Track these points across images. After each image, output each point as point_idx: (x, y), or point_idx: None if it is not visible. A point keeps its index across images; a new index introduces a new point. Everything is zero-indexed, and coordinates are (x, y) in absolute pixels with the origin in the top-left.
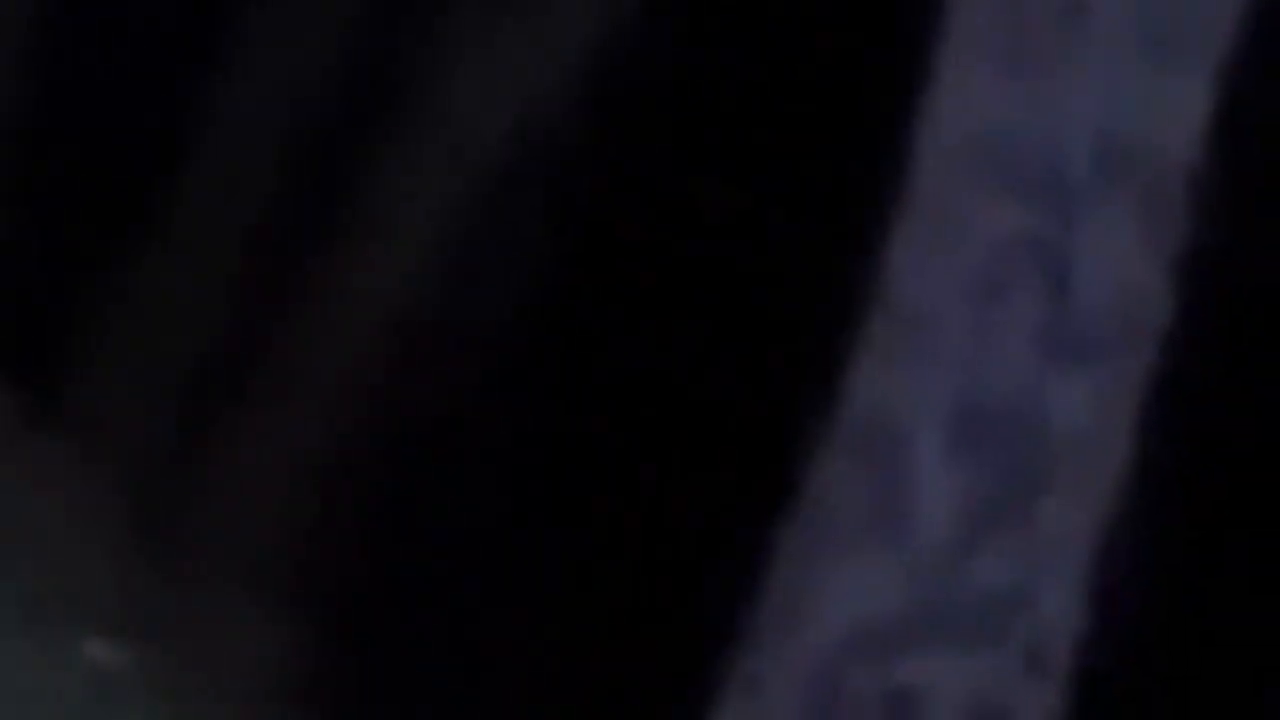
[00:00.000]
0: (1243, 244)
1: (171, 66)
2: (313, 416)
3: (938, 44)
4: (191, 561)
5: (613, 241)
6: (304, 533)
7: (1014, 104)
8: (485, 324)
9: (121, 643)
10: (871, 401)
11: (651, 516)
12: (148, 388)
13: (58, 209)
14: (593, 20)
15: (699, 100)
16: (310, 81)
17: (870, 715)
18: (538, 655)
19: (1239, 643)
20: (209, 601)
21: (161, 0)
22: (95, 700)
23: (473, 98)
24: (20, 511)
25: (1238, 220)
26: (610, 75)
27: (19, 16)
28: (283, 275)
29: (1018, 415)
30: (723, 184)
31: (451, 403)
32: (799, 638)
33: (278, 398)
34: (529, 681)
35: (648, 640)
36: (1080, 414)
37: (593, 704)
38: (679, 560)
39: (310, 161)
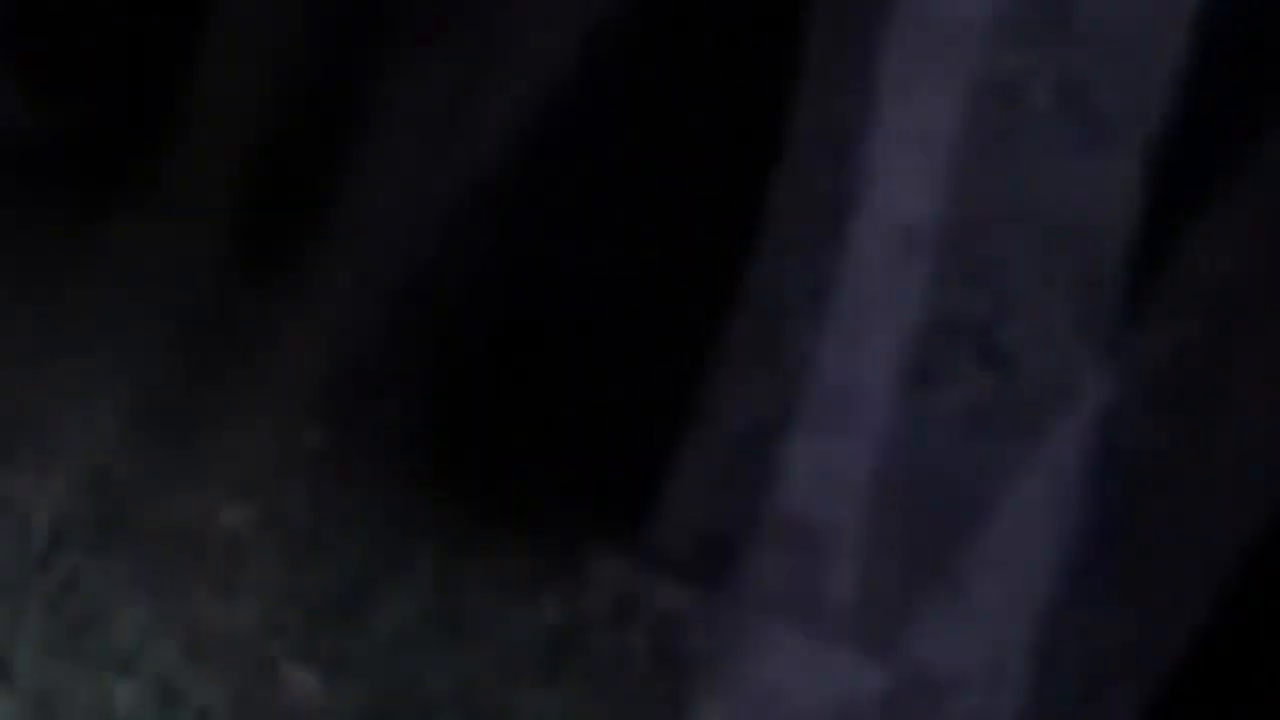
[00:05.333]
0: (1175, 319)
1: None
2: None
3: (875, 134)
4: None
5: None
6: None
7: (950, 190)
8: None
9: (322, 428)
10: (764, 285)
11: (649, 364)
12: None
13: None
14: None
15: (643, 192)
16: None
17: (756, 476)
18: (578, 441)
19: (971, 432)
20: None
21: None
22: (307, 466)
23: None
24: (257, 341)
25: (1169, 296)
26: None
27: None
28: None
29: (952, 489)
30: (661, 273)
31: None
32: (720, 427)
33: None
34: (570, 450)
35: (637, 432)
36: (1017, 487)
37: (603, 465)
38: (658, 383)
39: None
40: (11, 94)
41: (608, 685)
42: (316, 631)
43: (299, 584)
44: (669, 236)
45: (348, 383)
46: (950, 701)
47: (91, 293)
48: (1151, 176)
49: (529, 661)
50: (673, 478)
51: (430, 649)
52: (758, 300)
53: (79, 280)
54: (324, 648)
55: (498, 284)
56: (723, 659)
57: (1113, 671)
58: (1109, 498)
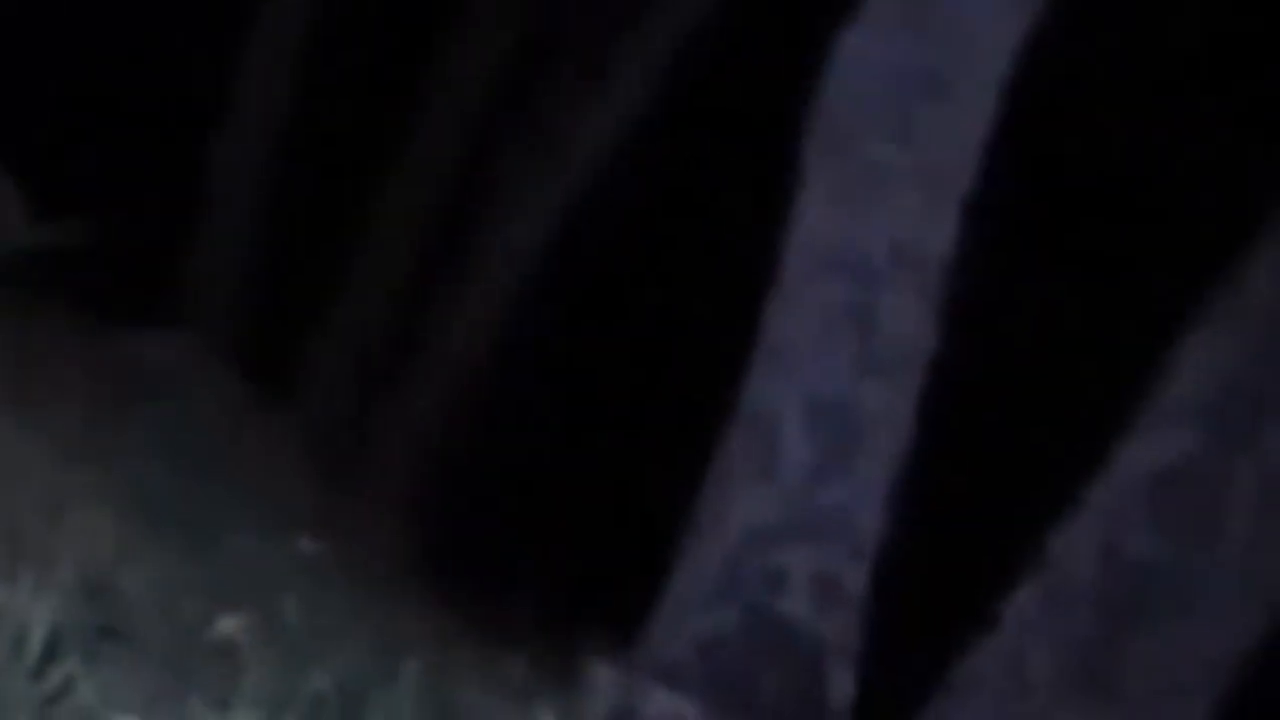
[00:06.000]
0: (979, 307)
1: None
2: (437, 391)
3: (798, 183)
4: (364, 484)
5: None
6: (430, 464)
7: (841, 222)
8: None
9: (317, 536)
10: (759, 397)
11: (646, 471)
12: (338, 381)
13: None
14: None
15: (677, 226)
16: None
17: (757, 585)
18: (575, 549)
19: (971, 541)
20: (371, 509)
21: None
22: (302, 573)
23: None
24: (254, 459)
25: (976, 295)
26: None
27: None
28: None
29: (844, 406)
30: (680, 278)
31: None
32: (717, 537)
33: (414, 378)
34: (567, 558)
35: (634, 541)
36: (881, 405)
37: (601, 574)
38: (654, 493)
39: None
40: (16, 214)
41: None
42: None
43: (293, 691)
44: (661, 351)
45: (345, 492)
46: (843, 528)
47: (88, 404)
48: (966, 216)
49: None
50: (670, 586)
51: None
52: (751, 411)
53: (76, 392)
54: None
55: (493, 403)
56: None
57: (932, 513)
58: (934, 412)
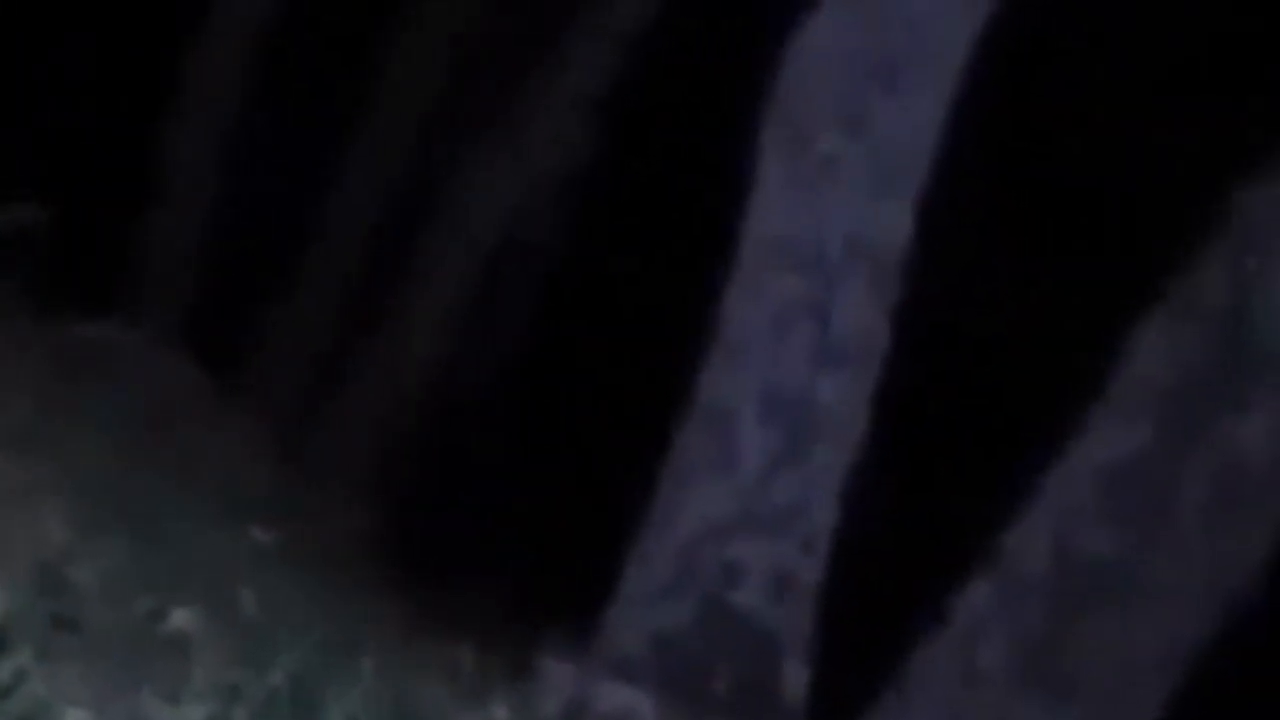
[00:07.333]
0: (933, 300)
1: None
2: (388, 388)
3: (752, 180)
4: (316, 476)
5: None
6: (384, 456)
7: (795, 215)
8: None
9: (271, 527)
10: (716, 390)
11: (601, 463)
12: (290, 369)
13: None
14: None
15: (631, 218)
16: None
17: (712, 578)
18: (529, 543)
19: (925, 534)
20: (325, 500)
21: None
22: (256, 565)
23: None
24: (207, 447)
25: (930, 287)
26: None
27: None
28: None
29: (799, 399)
30: (636, 270)
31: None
32: (671, 531)
33: (369, 367)
34: (521, 552)
35: (588, 535)
36: (836, 399)
37: (554, 568)
38: (609, 487)
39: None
40: None
41: None
42: None
43: (246, 684)
44: (618, 343)
45: (300, 482)
46: (797, 523)
47: (39, 393)
48: (918, 211)
49: None
50: (625, 579)
51: None
52: (708, 405)
53: (27, 381)
54: None
55: (448, 393)
56: None
57: (887, 505)
58: (888, 404)
